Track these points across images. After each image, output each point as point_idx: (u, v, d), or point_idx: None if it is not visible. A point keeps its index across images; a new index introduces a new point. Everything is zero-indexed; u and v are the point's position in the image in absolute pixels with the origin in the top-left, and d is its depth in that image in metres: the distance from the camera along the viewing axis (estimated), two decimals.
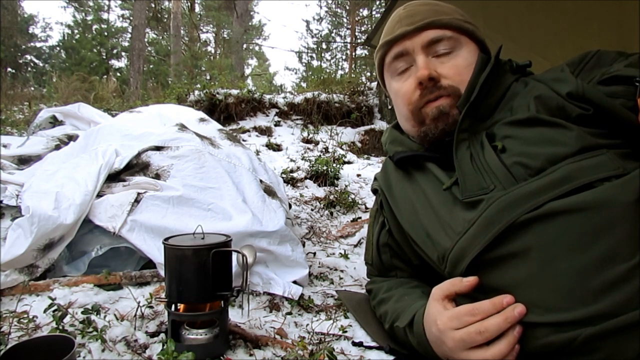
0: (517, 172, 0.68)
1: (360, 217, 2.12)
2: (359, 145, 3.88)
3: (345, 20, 16.72)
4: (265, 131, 3.88)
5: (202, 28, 16.83)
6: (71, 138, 1.90)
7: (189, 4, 13.98)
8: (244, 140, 3.39)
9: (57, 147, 1.79)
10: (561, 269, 0.59)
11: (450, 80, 0.80)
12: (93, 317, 0.91)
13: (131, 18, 12.68)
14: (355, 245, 1.76)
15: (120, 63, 15.08)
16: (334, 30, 17.41)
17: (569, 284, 0.58)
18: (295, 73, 18.06)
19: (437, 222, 0.76)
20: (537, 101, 0.73)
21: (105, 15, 15.41)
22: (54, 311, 0.89)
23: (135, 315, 0.96)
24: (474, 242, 0.67)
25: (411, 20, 0.84)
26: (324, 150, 3.54)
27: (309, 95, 4.32)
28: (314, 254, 1.60)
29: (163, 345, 0.82)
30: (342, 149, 3.66)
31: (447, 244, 0.73)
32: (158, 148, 1.42)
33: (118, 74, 12.91)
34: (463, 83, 0.80)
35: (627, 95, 0.68)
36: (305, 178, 2.66)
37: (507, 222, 0.64)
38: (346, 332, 0.96)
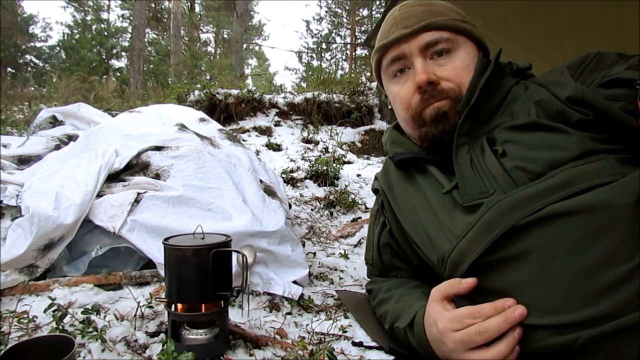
0: (517, 177, 0.68)
1: (360, 217, 2.12)
2: (359, 145, 3.88)
3: (345, 20, 16.73)
4: (265, 131, 3.88)
5: (202, 28, 16.83)
6: (71, 138, 1.90)
7: (189, 4, 13.97)
8: (244, 140, 3.39)
9: (57, 147, 1.79)
10: (561, 271, 0.59)
11: (450, 82, 0.80)
12: (93, 317, 0.91)
13: (131, 18, 12.67)
14: (355, 245, 1.76)
15: (120, 63, 15.09)
16: (334, 30, 17.41)
17: (568, 286, 0.58)
18: (295, 73, 18.07)
19: (437, 225, 0.76)
20: (538, 106, 0.73)
21: (105, 15, 15.41)
22: (54, 311, 0.89)
23: (135, 315, 0.96)
24: (473, 246, 0.67)
25: (407, 23, 0.83)
26: (324, 150, 3.54)
27: (309, 95, 4.32)
28: (314, 254, 1.60)
29: (163, 345, 0.82)
30: (342, 149, 3.66)
31: (446, 247, 0.73)
32: (158, 148, 1.42)
33: (118, 74, 12.90)
34: (462, 85, 0.79)
35: (628, 98, 0.68)
36: (305, 178, 2.66)
37: (507, 225, 0.64)
38: (346, 332, 0.96)
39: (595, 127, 0.69)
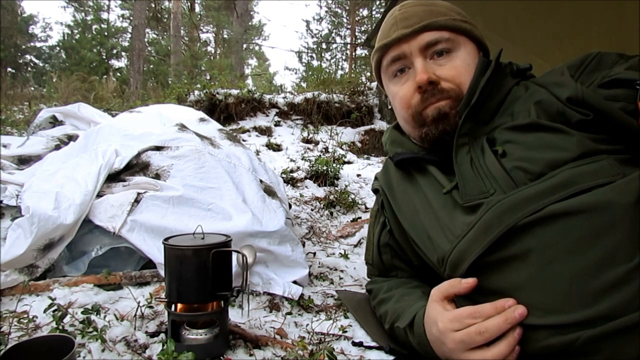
0: (518, 177, 0.68)
1: (360, 217, 2.12)
2: (359, 145, 3.89)
3: (345, 20, 16.73)
4: (265, 131, 3.88)
5: (202, 28, 16.82)
6: (71, 138, 1.90)
7: (189, 4, 13.97)
8: (244, 140, 3.39)
9: (57, 147, 1.79)
10: (561, 272, 0.59)
11: (450, 82, 0.80)
12: (93, 317, 0.91)
13: (131, 18, 12.67)
14: (355, 245, 1.76)
15: (120, 63, 15.09)
16: (334, 30, 17.41)
17: (568, 286, 0.58)
18: (295, 73, 18.07)
19: (437, 225, 0.76)
20: (538, 106, 0.73)
21: (105, 15, 15.41)
22: (54, 311, 0.89)
23: (135, 315, 0.96)
24: (473, 246, 0.67)
25: (407, 22, 0.83)
26: (324, 150, 3.54)
27: (309, 95, 4.32)
28: (314, 254, 1.60)
29: (163, 345, 0.82)
30: (342, 149, 3.66)
31: (446, 247, 0.73)
32: (158, 148, 1.42)
33: (118, 74, 12.90)
34: (463, 85, 0.79)
35: (628, 98, 0.68)
36: (305, 178, 2.66)
37: (507, 225, 0.64)
38: (346, 332, 0.96)
39: (595, 128, 0.69)
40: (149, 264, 1.21)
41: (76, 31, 14.46)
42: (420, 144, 0.88)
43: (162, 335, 0.91)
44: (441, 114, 0.80)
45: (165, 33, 15.04)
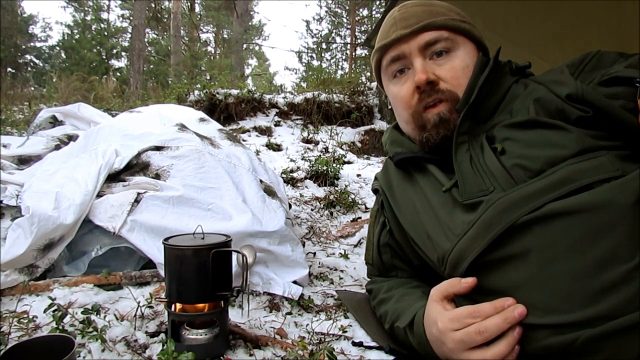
0: (517, 174, 0.68)
1: (360, 217, 2.12)
2: (359, 145, 3.88)
3: (345, 20, 16.74)
4: (265, 131, 3.88)
5: (202, 28, 16.83)
6: (71, 138, 1.90)
7: (189, 4, 13.98)
8: (244, 140, 3.39)
9: (57, 147, 1.79)
10: (561, 271, 0.59)
11: (448, 84, 0.80)
12: (93, 317, 0.91)
13: (131, 18, 12.67)
14: (355, 245, 1.76)
15: (120, 63, 15.10)
16: (334, 30, 17.42)
17: (568, 286, 0.58)
18: (295, 73, 18.09)
19: (437, 224, 0.76)
20: (537, 104, 0.73)
21: (105, 15, 15.43)
22: (54, 311, 0.89)
23: (135, 315, 0.97)
24: (473, 244, 0.67)
25: (406, 23, 0.83)
26: (324, 150, 3.54)
27: (309, 95, 4.32)
28: (314, 254, 1.60)
29: (163, 345, 0.82)
30: (342, 149, 3.66)
31: (446, 246, 0.73)
32: (158, 148, 1.42)
33: (118, 74, 12.89)
34: (461, 86, 0.79)
35: (628, 96, 0.68)
36: (305, 178, 2.66)
37: (507, 224, 0.64)
38: (346, 332, 0.96)
39: (595, 125, 0.69)
40: (149, 264, 1.21)
41: (76, 31, 14.47)
42: (420, 148, 0.88)
43: (162, 335, 0.91)
44: (442, 120, 0.80)
45: (165, 33, 15.04)
